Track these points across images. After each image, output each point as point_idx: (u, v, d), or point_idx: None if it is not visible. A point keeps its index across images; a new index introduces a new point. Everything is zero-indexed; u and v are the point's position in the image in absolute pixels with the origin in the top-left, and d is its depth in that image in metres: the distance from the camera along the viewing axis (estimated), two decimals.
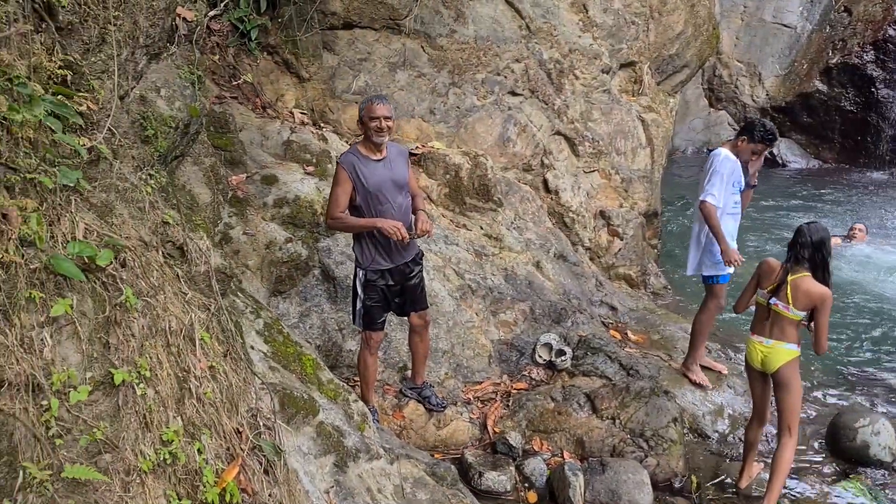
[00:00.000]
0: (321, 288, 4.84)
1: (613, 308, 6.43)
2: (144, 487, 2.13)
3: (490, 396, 5.07)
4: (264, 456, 2.37)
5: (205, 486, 2.24)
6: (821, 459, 4.53)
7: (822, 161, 13.55)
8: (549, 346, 5.37)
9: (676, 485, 4.27)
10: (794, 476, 4.33)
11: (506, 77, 6.90)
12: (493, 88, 6.83)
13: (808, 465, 4.47)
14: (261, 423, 2.43)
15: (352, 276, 4.20)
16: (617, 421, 4.58)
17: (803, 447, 4.70)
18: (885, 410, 5.03)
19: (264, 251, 4.53)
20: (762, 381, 3.96)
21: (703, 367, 5.23)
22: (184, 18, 3.53)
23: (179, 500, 2.17)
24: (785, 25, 14.67)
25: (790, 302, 3.69)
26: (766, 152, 4.70)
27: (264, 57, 5.83)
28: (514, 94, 6.96)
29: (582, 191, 7.20)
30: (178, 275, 2.67)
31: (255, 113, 5.36)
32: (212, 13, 5.58)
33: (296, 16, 5.83)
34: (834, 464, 4.46)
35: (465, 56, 6.68)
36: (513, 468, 4.32)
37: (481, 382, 5.16)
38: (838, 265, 8.27)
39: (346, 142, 6.04)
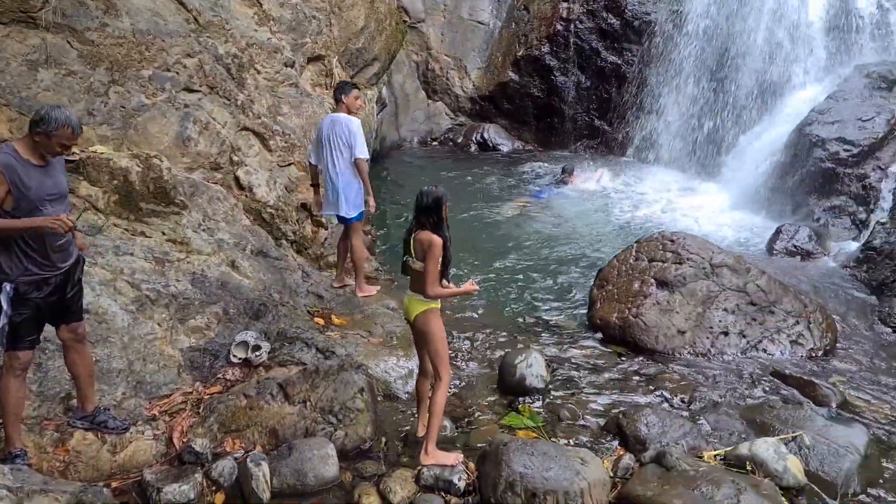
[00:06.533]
0: None
1: (320, 296, 6.46)
2: None
3: (180, 408, 4.74)
4: None
5: None
6: (495, 398, 5.01)
7: (525, 142, 15.16)
8: (245, 343, 5.19)
9: (366, 448, 4.39)
10: (469, 414, 4.74)
11: (178, 73, 6.53)
12: (164, 85, 6.41)
13: (484, 404, 4.92)
14: None
15: None
16: (308, 403, 4.56)
17: (483, 390, 5.16)
18: (541, 346, 5.73)
19: None
20: (415, 333, 4.21)
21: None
22: None
23: None
24: (480, 22, 16.11)
25: (413, 254, 3.97)
26: None
27: None
28: (189, 90, 6.61)
29: (279, 185, 7.11)
30: None
31: None
32: None
33: None
34: (503, 399, 4.97)
35: (123, 51, 6.17)
36: (199, 475, 4.07)
37: (170, 395, 4.81)
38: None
39: None
